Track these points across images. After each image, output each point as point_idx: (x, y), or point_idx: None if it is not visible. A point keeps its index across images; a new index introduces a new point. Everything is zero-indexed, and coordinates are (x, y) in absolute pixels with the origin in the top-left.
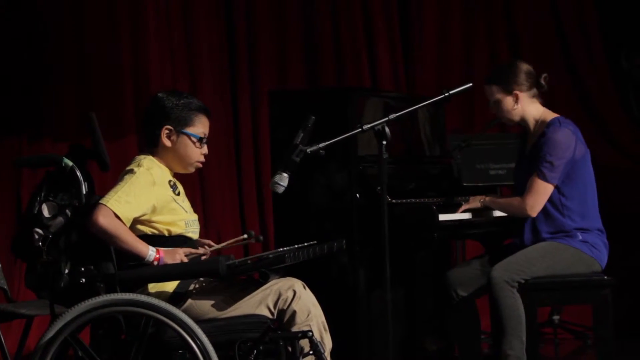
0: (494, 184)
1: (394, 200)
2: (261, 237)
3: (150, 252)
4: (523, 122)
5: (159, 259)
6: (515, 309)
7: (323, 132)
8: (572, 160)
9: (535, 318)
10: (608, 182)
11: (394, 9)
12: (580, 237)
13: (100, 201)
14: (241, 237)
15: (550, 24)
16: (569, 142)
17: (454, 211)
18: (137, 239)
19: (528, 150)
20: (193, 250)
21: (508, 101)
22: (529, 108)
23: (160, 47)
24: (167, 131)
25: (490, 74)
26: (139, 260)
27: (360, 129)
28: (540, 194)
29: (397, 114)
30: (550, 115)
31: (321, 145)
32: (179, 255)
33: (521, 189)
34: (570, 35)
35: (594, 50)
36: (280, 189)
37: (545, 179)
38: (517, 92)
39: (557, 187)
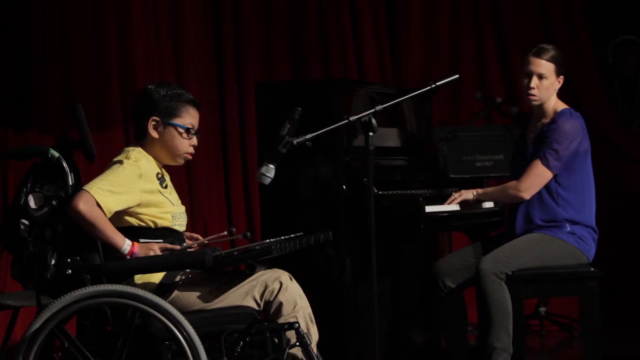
0: (480, 175)
1: (380, 192)
2: (249, 234)
3: (125, 246)
4: (539, 108)
5: (131, 254)
6: (503, 301)
7: (309, 123)
8: (575, 152)
9: (522, 310)
10: (597, 176)
11: (381, 0)
12: (569, 229)
13: (83, 187)
14: (222, 233)
15: (536, 17)
16: (576, 134)
17: (440, 203)
18: (115, 230)
19: (532, 138)
20: (169, 246)
21: (554, 83)
22: (553, 96)
23: (146, 38)
24: (153, 122)
25: (547, 50)
26: (115, 251)
27: (346, 121)
28: (539, 178)
29: (383, 106)
30: (561, 105)
31: (308, 136)
32: (152, 251)
33: (518, 176)
34: (557, 30)
35: (581, 45)
36: (267, 180)
37: (547, 165)
38: (562, 78)
39: (555, 177)
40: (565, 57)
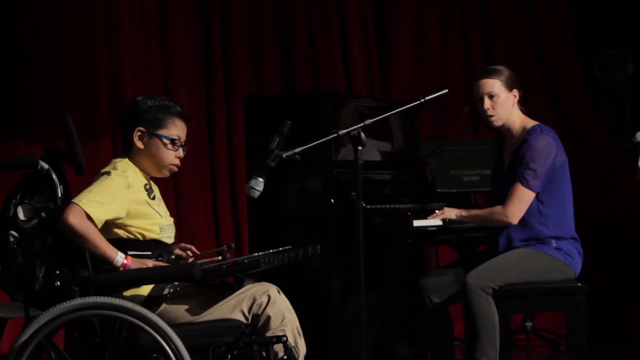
0: (467, 190)
1: (368, 206)
2: (232, 245)
3: (118, 259)
4: (505, 128)
5: (124, 266)
6: (489, 315)
7: (298, 137)
8: (552, 167)
9: (509, 325)
10: (584, 190)
11: (369, 14)
12: (555, 245)
13: (72, 200)
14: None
15: (525, 32)
16: (550, 149)
17: (427, 217)
18: (107, 242)
19: (509, 159)
20: (162, 264)
21: (508, 98)
22: (516, 112)
23: (135, 50)
24: (139, 133)
25: (489, 70)
26: (107, 264)
27: (335, 134)
28: (523, 201)
29: (372, 120)
30: (530, 122)
31: (297, 150)
32: (145, 266)
33: (499, 197)
34: (544, 45)
35: (568, 60)
36: (256, 194)
37: (528, 187)
38: (516, 91)
39: (536, 195)
40: (513, 73)
